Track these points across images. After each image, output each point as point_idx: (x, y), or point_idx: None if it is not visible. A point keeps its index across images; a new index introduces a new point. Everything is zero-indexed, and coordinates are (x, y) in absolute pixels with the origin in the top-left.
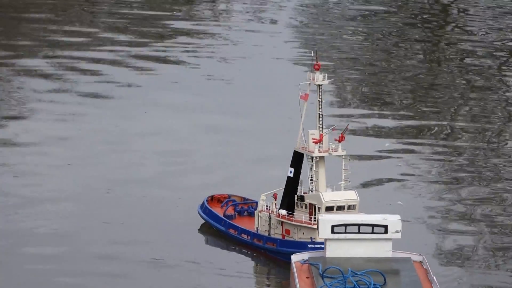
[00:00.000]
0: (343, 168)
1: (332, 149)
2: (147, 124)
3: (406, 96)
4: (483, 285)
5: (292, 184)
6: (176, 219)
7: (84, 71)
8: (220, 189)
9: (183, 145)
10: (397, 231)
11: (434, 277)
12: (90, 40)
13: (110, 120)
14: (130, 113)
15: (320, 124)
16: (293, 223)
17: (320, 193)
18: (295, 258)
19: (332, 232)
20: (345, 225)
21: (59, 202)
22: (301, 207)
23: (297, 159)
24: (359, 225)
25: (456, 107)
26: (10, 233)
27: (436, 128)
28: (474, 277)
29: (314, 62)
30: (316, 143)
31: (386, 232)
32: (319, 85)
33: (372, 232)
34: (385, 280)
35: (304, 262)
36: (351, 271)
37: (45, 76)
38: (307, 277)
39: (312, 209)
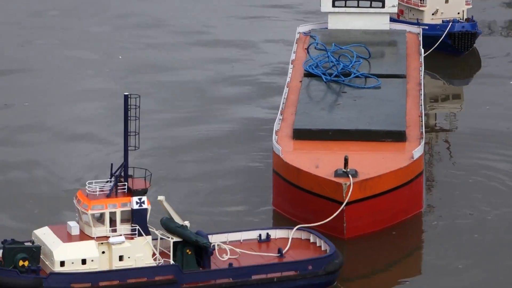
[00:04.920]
0: None
1: None
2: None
3: None
4: None
5: None
6: None
7: None
8: None
9: None
10: (394, 6)
11: (423, 50)
12: None
13: None
14: None
15: None
16: None
17: None
18: (301, 29)
19: (333, 6)
20: (345, 0)
21: None
22: None
23: None
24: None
25: None
26: None
27: None
28: None
29: None
30: None
31: (383, 6)
32: None
33: (371, 7)
34: (369, 53)
35: (306, 34)
36: (334, 45)
37: None
38: (305, 48)
39: None
